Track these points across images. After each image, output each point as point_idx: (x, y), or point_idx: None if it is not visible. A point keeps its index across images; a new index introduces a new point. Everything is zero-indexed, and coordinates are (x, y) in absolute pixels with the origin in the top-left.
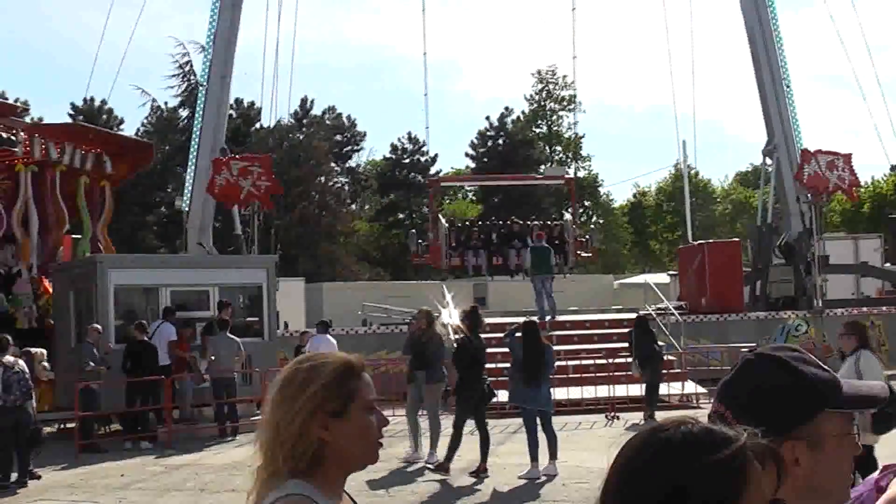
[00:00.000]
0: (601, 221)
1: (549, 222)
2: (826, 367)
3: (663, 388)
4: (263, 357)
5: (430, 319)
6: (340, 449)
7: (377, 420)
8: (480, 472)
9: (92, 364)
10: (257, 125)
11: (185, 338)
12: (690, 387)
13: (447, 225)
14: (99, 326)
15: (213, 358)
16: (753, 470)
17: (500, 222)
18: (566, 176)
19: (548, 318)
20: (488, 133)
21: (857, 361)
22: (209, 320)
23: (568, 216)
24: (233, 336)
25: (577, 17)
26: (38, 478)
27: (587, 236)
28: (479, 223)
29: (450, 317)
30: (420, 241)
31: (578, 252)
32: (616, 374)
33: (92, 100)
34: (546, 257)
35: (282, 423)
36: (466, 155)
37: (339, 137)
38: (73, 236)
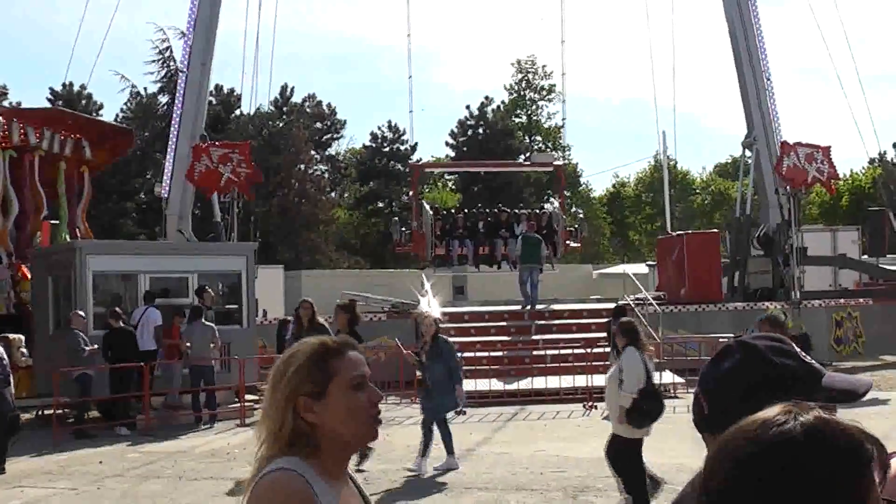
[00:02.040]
0: (581, 212)
1: (537, 211)
2: (807, 358)
3: None
4: (242, 345)
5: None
6: (330, 429)
7: (367, 396)
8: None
9: (86, 349)
10: (237, 112)
11: (176, 325)
12: (668, 377)
13: (431, 213)
14: (82, 313)
15: (188, 345)
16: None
17: (487, 211)
18: (555, 163)
19: (527, 307)
20: (468, 122)
21: (623, 358)
22: (190, 307)
23: (555, 205)
24: (209, 323)
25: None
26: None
27: (576, 226)
28: (465, 211)
29: (429, 306)
30: (403, 229)
31: (567, 242)
32: (594, 363)
33: (71, 85)
34: (536, 248)
35: (269, 410)
36: (447, 144)
37: (319, 125)
38: (52, 222)
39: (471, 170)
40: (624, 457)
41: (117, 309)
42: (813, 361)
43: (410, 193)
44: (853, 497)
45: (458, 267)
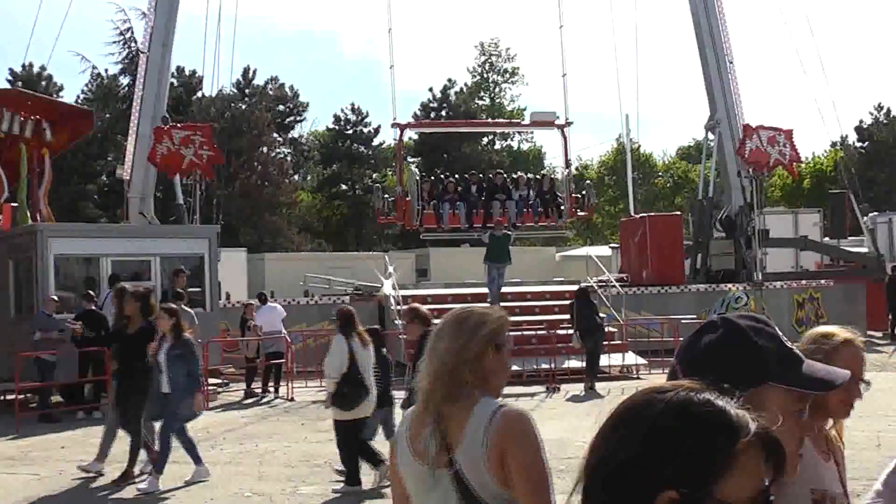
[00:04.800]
0: (589, 180)
1: (538, 176)
2: (789, 343)
3: (604, 360)
4: (205, 328)
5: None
6: (495, 374)
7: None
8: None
9: (39, 333)
10: (199, 94)
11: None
12: (631, 358)
13: (418, 178)
14: (55, 297)
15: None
16: (749, 454)
17: (481, 175)
18: (557, 122)
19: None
20: (431, 105)
21: (330, 346)
22: (165, 290)
23: (561, 169)
24: (187, 308)
25: None
26: None
27: (583, 192)
28: (456, 176)
29: (392, 289)
30: (386, 196)
31: (574, 209)
32: (557, 345)
33: (31, 66)
34: (505, 246)
35: (462, 352)
36: (409, 126)
37: (281, 108)
38: (12, 205)
39: (461, 130)
40: (340, 437)
41: (90, 292)
42: (794, 346)
43: (394, 155)
44: (712, 468)
45: (449, 231)
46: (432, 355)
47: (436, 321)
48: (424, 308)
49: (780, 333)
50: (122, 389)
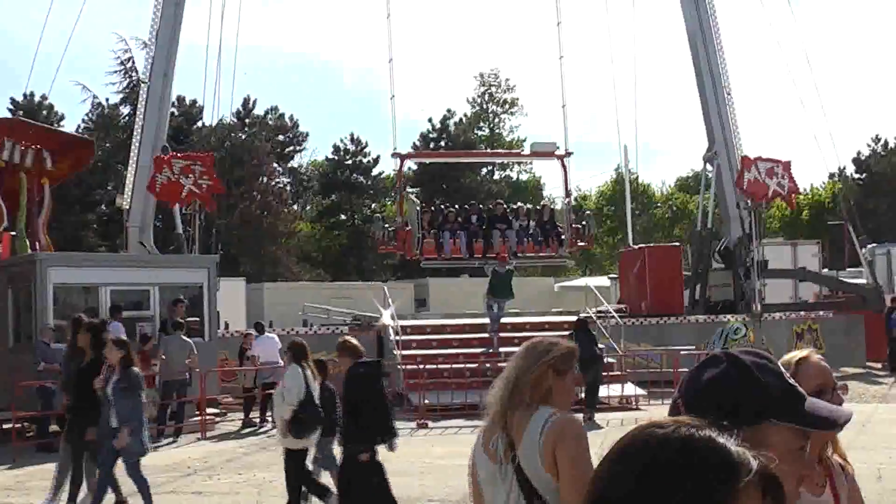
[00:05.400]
0: (589, 211)
1: (538, 206)
2: (791, 380)
3: (603, 390)
4: (204, 357)
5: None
6: (559, 394)
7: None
8: None
9: (44, 364)
10: (199, 124)
11: (146, 352)
12: (630, 389)
13: (419, 207)
14: (52, 325)
15: (163, 357)
16: (748, 493)
17: (481, 206)
18: (557, 152)
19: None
20: (430, 135)
21: (286, 374)
22: (164, 320)
23: (561, 199)
24: (186, 338)
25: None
26: None
27: (583, 223)
28: (457, 206)
29: (391, 319)
30: (387, 225)
31: (575, 240)
32: None
33: (32, 95)
34: (508, 282)
35: (527, 372)
36: (410, 156)
37: (281, 137)
38: (12, 233)
39: (462, 160)
40: (290, 466)
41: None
42: (796, 384)
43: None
44: None
45: (449, 260)
46: (504, 372)
47: (434, 350)
48: (355, 340)
49: (784, 370)
50: (72, 424)
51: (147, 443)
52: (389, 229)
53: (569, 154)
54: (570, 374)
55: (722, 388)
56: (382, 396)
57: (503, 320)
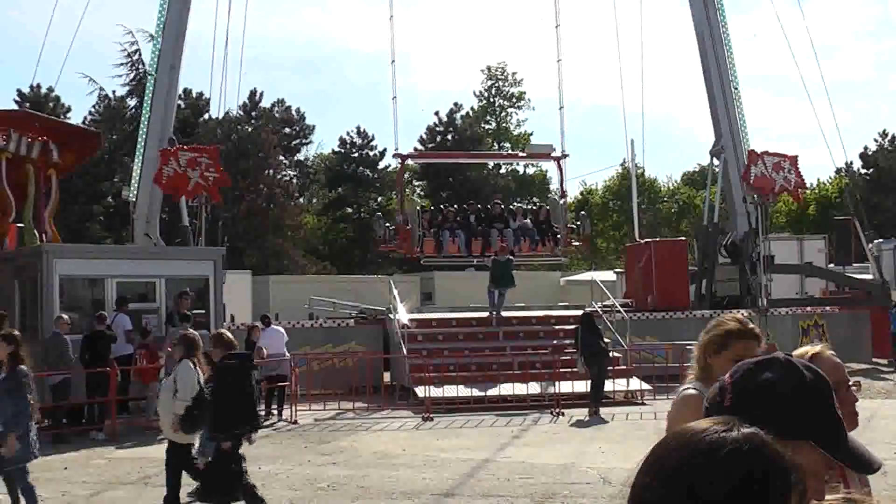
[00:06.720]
0: (584, 211)
1: (533, 207)
2: (837, 407)
3: (608, 385)
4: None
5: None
6: (716, 371)
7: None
8: None
9: (71, 355)
10: (206, 116)
11: (151, 345)
12: (636, 383)
13: (419, 207)
14: (66, 317)
15: (169, 349)
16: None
17: (479, 206)
18: (553, 154)
19: (493, 313)
20: (437, 129)
21: (177, 370)
22: (170, 312)
23: (556, 198)
24: (193, 330)
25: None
26: None
27: (578, 222)
28: (455, 206)
29: (398, 312)
30: (388, 224)
31: (570, 239)
32: (561, 370)
33: (38, 87)
34: (508, 271)
35: (695, 351)
36: (415, 150)
37: (287, 130)
38: (18, 225)
39: (461, 161)
40: (174, 459)
41: (103, 312)
42: (840, 411)
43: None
44: None
45: (448, 258)
46: None
47: (440, 344)
48: (229, 333)
49: (834, 394)
50: None
51: (36, 448)
52: (390, 228)
53: (565, 156)
54: (726, 351)
55: (777, 395)
56: (250, 388)
57: (509, 314)
